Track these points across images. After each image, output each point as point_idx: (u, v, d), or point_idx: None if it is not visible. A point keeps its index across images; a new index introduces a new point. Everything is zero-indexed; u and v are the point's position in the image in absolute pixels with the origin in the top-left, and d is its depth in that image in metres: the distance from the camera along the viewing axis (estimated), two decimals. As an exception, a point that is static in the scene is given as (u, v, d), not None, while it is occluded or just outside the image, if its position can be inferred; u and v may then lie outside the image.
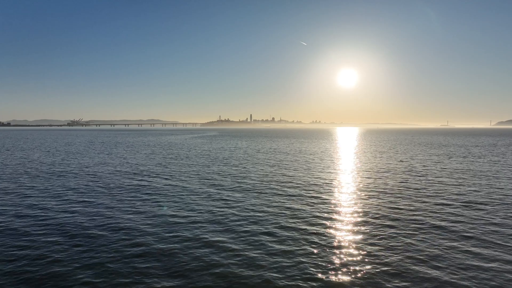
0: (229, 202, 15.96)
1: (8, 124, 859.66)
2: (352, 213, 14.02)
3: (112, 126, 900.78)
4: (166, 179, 22.54)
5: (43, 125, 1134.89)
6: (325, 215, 13.78)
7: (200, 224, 12.47)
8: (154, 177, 23.38)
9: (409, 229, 11.97)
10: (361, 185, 20.23)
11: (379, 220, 12.99)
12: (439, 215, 13.70)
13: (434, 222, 12.75)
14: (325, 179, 22.62)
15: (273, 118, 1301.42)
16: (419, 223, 12.70)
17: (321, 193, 18.06)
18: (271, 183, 21.04)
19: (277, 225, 12.38)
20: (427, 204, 15.60)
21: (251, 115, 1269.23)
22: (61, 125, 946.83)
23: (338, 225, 12.47)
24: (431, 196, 17.31)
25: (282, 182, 21.22)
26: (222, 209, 14.59)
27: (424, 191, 18.61)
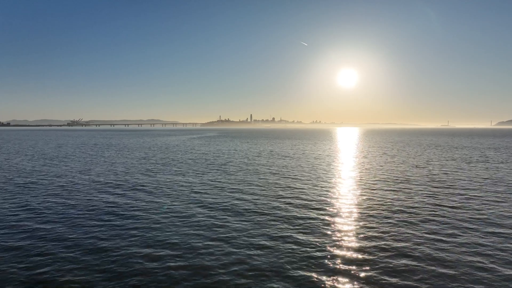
0: (219, 231, 12.45)
1: (8, 124, 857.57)
2: (380, 250, 10.53)
3: (112, 126, 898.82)
4: (149, 193, 19.05)
5: (43, 125, 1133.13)
6: (345, 252, 10.29)
7: (175, 274, 8.98)
8: (136, 190, 19.90)
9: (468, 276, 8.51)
10: (382, 203, 16.73)
11: (424, 263, 9.51)
12: (498, 252, 10.22)
13: (502, 269, 9.28)
14: (336, 193, 19.14)
15: (273, 118, 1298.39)
16: (486, 271, 9.22)
17: (334, 215, 14.58)
18: (274, 200, 17.55)
19: (283, 275, 8.91)
20: (476, 233, 12.10)
21: (251, 115, 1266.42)
22: (61, 125, 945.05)
23: (363, 268, 9.00)
24: (475, 219, 13.77)
25: (287, 199, 17.74)
26: (209, 243, 11.10)
27: (463, 212, 15.09)
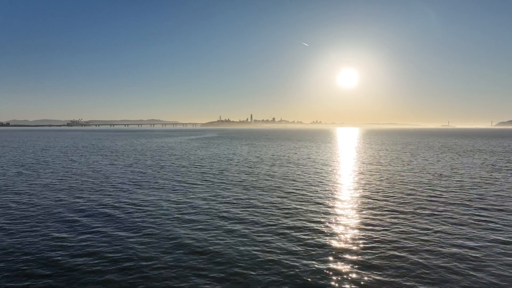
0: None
1: (8, 124, 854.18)
2: None
3: (112, 126, 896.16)
4: (117, 220, 14.80)
5: (43, 125, 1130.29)
6: None
7: None
8: (101, 217, 15.62)
9: None
10: (422, 237, 12.47)
11: None
12: None
13: None
14: (359, 218, 14.87)
15: (273, 118, 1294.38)
16: None
17: (361, 261, 10.34)
18: (281, 233, 13.30)
19: None
20: None
21: (251, 115, 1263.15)
22: (60, 125, 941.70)
23: None
24: None
25: (297, 231, 13.49)
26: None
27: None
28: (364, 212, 15.98)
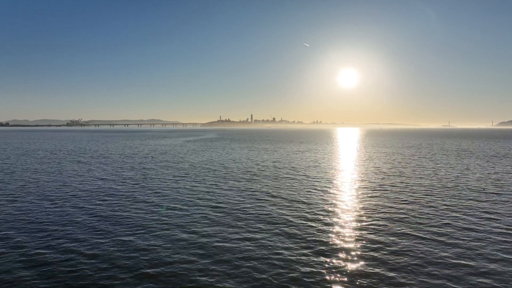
0: None
1: (7, 124, 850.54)
2: None
3: (112, 126, 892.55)
4: (46, 261, 9.44)
5: (43, 125, 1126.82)
6: None
7: None
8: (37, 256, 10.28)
9: None
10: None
11: None
12: None
13: None
14: (404, 263, 9.56)
15: (273, 118, 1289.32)
16: None
17: None
18: None
19: None
20: None
21: (251, 115, 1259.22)
22: (60, 125, 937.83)
23: None
24: None
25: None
26: None
27: None
28: (418, 261, 10.64)
